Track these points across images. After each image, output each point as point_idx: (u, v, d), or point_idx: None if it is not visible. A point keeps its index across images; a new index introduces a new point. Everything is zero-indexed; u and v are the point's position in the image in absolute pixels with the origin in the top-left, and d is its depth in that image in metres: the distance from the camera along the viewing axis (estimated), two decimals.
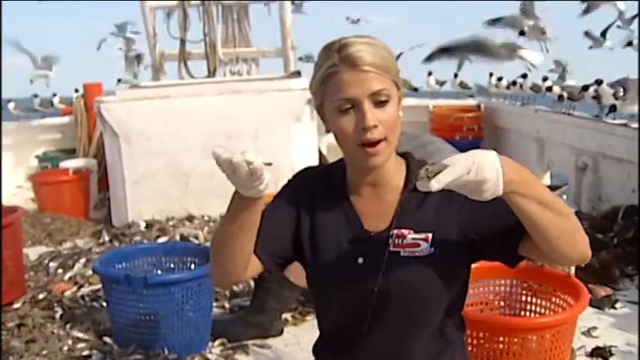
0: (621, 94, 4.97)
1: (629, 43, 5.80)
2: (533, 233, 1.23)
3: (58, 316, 3.42)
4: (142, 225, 4.95)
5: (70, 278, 4.00)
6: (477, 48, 5.71)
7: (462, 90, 8.07)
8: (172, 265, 3.32)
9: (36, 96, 7.20)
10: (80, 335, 3.20)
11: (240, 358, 3.05)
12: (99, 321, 3.32)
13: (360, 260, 1.39)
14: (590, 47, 6.25)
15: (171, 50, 6.27)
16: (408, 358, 1.40)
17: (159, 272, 3.28)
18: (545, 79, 6.44)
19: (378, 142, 1.32)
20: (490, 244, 1.34)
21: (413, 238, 1.37)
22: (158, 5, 6.18)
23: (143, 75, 7.49)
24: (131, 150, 5.07)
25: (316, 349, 1.54)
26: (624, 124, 4.97)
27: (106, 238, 4.83)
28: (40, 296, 3.67)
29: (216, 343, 3.12)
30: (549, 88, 6.18)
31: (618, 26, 6.12)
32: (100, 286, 3.53)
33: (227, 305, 3.54)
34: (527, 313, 2.68)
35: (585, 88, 5.54)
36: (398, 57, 5.80)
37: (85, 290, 3.78)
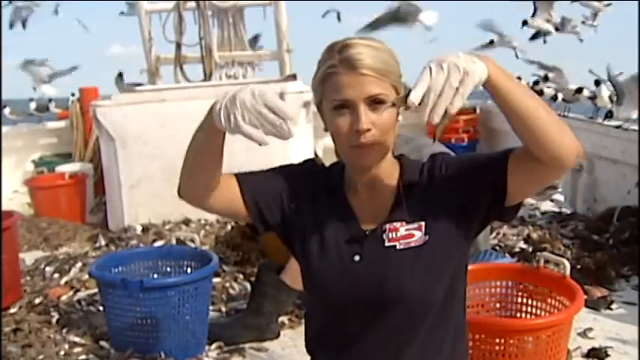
0: (615, 98, 4.97)
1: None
2: (521, 124, 1.23)
3: (54, 320, 3.42)
4: (139, 229, 4.94)
5: (66, 283, 4.00)
6: (392, 17, 5.81)
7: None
8: (169, 269, 3.32)
9: (31, 100, 7.18)
10: (77, 340, 3.19)
11: None
12: (95, 325, 3.31)
13: (357, 258, 1.41)
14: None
15: (167, 54, 6.27)
16: (409, 352, 1.40)
17: (155, 276, 3.28)
18: (536, 82, 6.45)
19: (371, 144, 1.33)
20: (480, 187, 1.35)
21: (406, 229, 1.39)
22: (153, 9, 6.18)
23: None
24: (127, 154, 5.06)
25: (309, 346, 1.54)
26: (619, 126, 4.99)
27: (103, 242, 4.82)
28: (37, 301, 3.67)
29: (213, 346, 3.12)
30: (541, 91, 6.20)
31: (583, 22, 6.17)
32: (96, 290, 3.53)
33: (224, 308, 3.55)
34: (523, 315, 2.68)
35: (579, 90, 5.56)
36: None
37: (82, 294, 3.77)
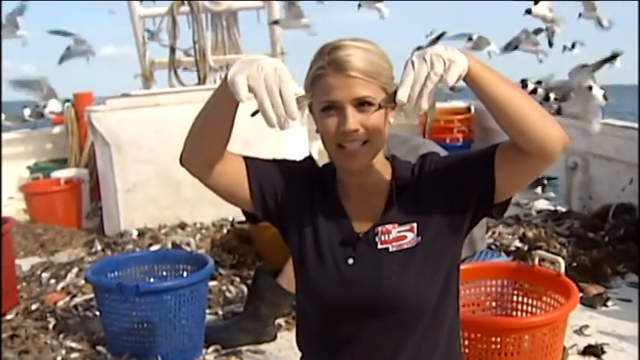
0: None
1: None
2: (505, 116, 1.23)
3: (51, 326, 3.41)
4: (134, 233, 4.95)
5: (62, 288, 3.99)
6: None
7: (452, 92, 8.09)
8: (165, 273, 3.31)
9: (25, 106, 7.16)
10: (73, 345, 3.19)
11: None
12: (92, 330, 3.31)
13: (351, 261, 1.40)
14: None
15: (161, 58, 6.27)
16: (403, 353, 1.40)
17: (151, 280, 3.27)
18: (524, 82, 6.46)
19: (359, 146, 1.34)
20: (469, 183, 1.35)
21: (398, 232, 1.39)
22: (147, 14, 6.18)
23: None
24: (122, 159, 5.06)
25: (301, 344, 1.54)
26: (612, 124, 5.02)
27: (99, 247, 4.82)
28: (33, 307, 3.67)
29: (210, 349, 3.12)
30: (534, 90, 6.21)
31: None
32: (92, 295, 3.52)
33: (220, 312, 3.55)
34: (519, 313, 2.69)
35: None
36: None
37: (78, 300, 3.77)
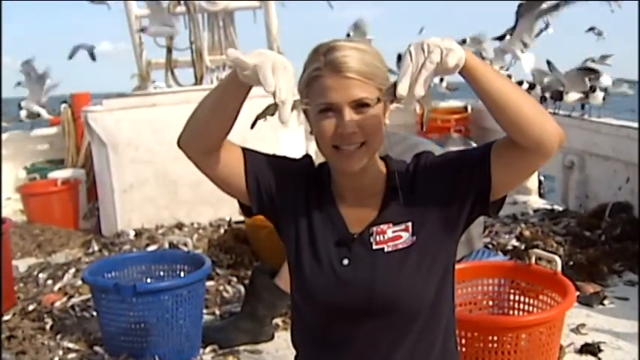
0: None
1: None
2: (501, 111, 1.24)
3: (48, 327, 3.41)
4: (132, 234, 4.95)
5: (59, 289, 3.99)
6: None
7: (449, 91, 8.09)
8: (162, 273, 3.31)
9: (21, 108, 7.14)
10: (71, 346, 3.19)
11: None
12: (89, 331, 3.31)
13: (346, 262, 1.40)
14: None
15: (158, 59, 6.26)
16: (400, 352, 1.40)
17: (149, 280, 3.27)
18: (520, 82, 6.48)
19: (357, 148, 1.33)
20: (465, 181, 1.35)
21: (393, 231, 1.39)
22: (144, 14, 6.17)
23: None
24: (119, 159, 5.06)
25: (296, 342, 1.54)
26: (608, 123, 5.03)
27: (96, 248, 4.82)
28: (30, 308, 3.67)
29: (208, 349, 3.12)
30: (532, 86, 6.23)
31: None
32: (90, 296, 3.53)
33: (217, 312, 3.55)
34: (516, 312, 2.70)
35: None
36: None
37: (75, 300, 3.76)
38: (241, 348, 3.14)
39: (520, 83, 6.45)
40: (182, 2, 5.96)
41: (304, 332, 1.51)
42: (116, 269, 3.25)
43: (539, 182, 6.60)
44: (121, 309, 2.94)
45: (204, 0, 6.01)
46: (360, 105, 1.31)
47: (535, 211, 5.35)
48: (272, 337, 3.23)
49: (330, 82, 1.31)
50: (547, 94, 5.85)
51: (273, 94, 1.21)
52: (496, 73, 1.25)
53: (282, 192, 1.46)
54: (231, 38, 6.32)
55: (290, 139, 5.01)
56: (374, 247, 1.39)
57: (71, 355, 3.12)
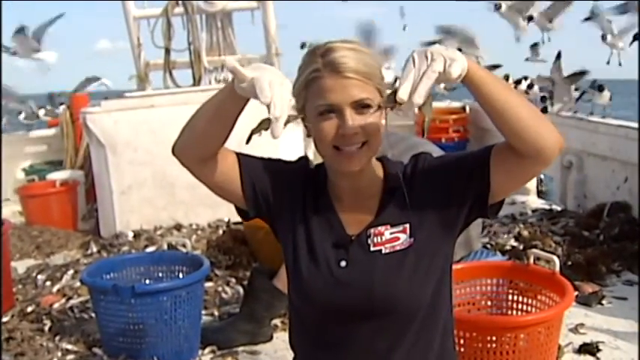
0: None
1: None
2: (502, 118, 1.24)
3: (46, 328, 3.41)
4: (130, 235, 4.95)
5: (58, 290, 3.99)
6: None
7: (447, 92, 8.09)
8: (161, 274, 3.31)
9: (20, 113, 7.13)
10: (69, 347, 3.19)
11: None
12: (88, 332, 3.31)
13: (343, 264, 1.40)
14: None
15: (156, 60, 6.27)
16: (398, 352, 1.40)
17: (147, 282, 3.27)
18: (525, 78, 6.49)
19: (357, 149, 1.33)
20: (464, 185, 1.36)
21: (391, 233, 1.39)
22: (142, 15, 6.17)
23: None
24: (118, 160, 5.06)
25: (294, 344, 1.54)
26: (607, 123, 5.03)
27: (94, 249, 4.82)
28: (29, 309, 3.67)
29: (206, 350, 3.12)
30: (531, 85, 6.24)
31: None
32: (88, 297, 3.52)
33: (216, 313, 3.54)
34: (515, 312, 2.70)
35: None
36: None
37: (74, 302, 3.76)
38: (240, 349, 3.14)
39: (519, 82, 6.47)
40: (180, 3, 5.97)
41: (302, 334, 1.51)
42: (115, 270, 3.25)
43: (540, 180, 6.61)
44: (120, 310, 2.93)
45: (202, 0, 6.01)
46: (360, 106, 1.31)
47: (533, 211, 5.35)
48: (271, 338, 3.23)
49: (330, 82, 1.30)
50: (546, 94, 5.85)
51: (268, 109, 1.21)
52: (497, 82, 1.25)
53: (278, 195, 1.46)
54: (229, 39, 6.32)
55: (289, 139, 5.01)
56: (371, 248, 1.39)
57: (70, 357, 3.12)
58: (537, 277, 2.65)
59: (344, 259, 1.40)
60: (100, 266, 3.31)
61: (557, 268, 2.60)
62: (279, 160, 1.53)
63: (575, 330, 3.17)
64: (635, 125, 4.68)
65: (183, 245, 3.35)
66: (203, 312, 3.31)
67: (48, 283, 4.14)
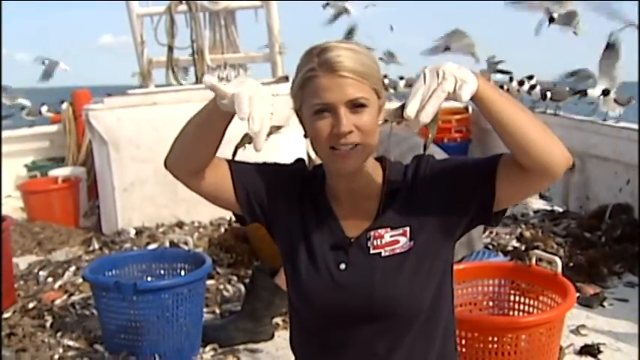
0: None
1: None
2: (511, 137, 1.24)
3: (48, 324, 3.42)
4: (132, 232, 4.95)
5: (60, 287, 4.00)
6: None
7: None
8: (162, 272, 3.31)
9: (22, 108, 7.15)
10: (71, 343, 3.20)
11: None
12: (89, 329, 3.31)
13: (342, 266, 1.39)
14: None
15: (159, 57, 6.27)
16: (398, 354, 1.39)
17: (149, 279, 3.27)
18: (530, 77, 6.48)
19: (352, 148, 1.32)
20: (468, 192, 1.35)
21: (391, 236, 1.38)
22: (145, 12, 6.17)
23: None
24: (120, 157, 5.06)
25: (294, 345, 1.54)
26: (609, 125, 5.03)
27: (96, 246, 4.82)
28: (31, 305, 3.66)
29: (208, 348, 3.12)
30: (533, 86, 6.23)
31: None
32: (90, 293, 3.52)
33: (218, 310, 3.55)
34: (516, 313, 2.69)
35: (578, 92, 5.57)
36: None
37: (76, 298, 3.77)
38: (241, 347, 3.15)
39: (522, 83, 6.47)
40: (184, 1, 5.97)
41: (302, 336, 1.51)
42: (117, 267, 3.25)
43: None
44: (122, 307, 2.93)
45: None
46: (355, 105, 1.31)
47: (535, 212, 5.35)
48: (272, 337, 3.23)
49: (325, 81, 1.30)
50: (548, 94, 5.85)
51: (248, 123, 1.20)
52: (506, 101, 1.24)
53: (273, 199, 1.46)
54: (232, 37, 6.32)
55: (290, 138, 4.99)
56: (371, 251, 1.38)
57: (71, 353, 3.12)
58: (539, 278, 2.65)
59: (343, 262, 1.39)
60: (102, 263, 3.31)
61: (559, 270, 2.60)
62: (274, 164, 1.52)
63: (576, 331, 3.17)
64: (636, 127, 4.68)
65: (185, 243, 3.35)
66: (204, 310, 3.31)
67: (50, 279, 4.14)
